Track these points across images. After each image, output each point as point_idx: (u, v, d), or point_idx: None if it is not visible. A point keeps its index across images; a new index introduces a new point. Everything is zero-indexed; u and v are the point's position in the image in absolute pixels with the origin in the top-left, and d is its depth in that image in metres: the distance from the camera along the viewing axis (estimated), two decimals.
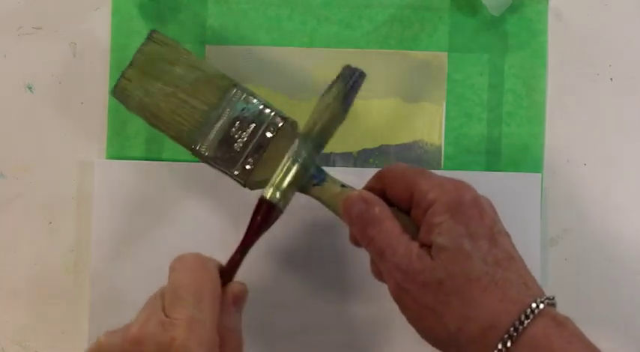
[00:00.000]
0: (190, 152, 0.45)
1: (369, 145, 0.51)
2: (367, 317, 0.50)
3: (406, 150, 0.51)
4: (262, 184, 0.43)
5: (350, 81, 0.43)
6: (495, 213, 0.41)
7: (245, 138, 0.44)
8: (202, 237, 0.51)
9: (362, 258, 0.44)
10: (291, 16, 0.52)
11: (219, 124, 0.44)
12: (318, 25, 0.52)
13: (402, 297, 0.40)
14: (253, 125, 0.44)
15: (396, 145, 0.51)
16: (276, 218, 0.43)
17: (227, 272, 0.42)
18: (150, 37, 0.45)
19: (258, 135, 0.44)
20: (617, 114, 0.52)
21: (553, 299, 0.39)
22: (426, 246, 0.40)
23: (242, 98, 0.44)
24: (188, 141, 0.44)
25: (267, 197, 0.42)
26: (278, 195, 0.42)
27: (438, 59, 0.52)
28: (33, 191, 0.52)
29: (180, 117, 0.44)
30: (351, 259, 0.50)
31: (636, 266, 0.51)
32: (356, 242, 0.43)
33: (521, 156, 0.51)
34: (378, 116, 0.51)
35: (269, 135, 0.44)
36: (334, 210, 0.43)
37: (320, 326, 0.50)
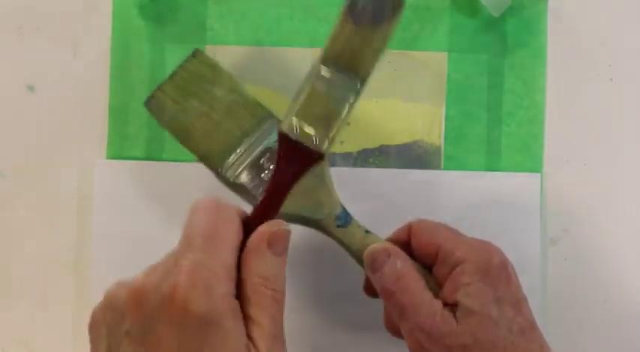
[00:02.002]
0: (215, 175, 0.44)
1: (369, 145, 0.51)
2: (367, 318, 0.50)
3: (406, 150, 0.51)
4: (285, 218, 0.41)
5: None
6: (517, 277, 0.41)
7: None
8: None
9: None
10: (291, 16, 0.52)
11: (249, 152, 0.43)
12: (318, 25, 0.52)
13: None
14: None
15: (396, 145, 0.51)
16: (305, 156, 0.39)
17: (257, 217, 0.39)
18: (194, 55, 0.45)
19: None
20: (617, 114, 0.52)
21: None
22: (449, 306, 0.39)
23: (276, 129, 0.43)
24: (215, 164, 0.43)
25: (284, 129, 0.39)
26: (298, 124, 0.40)
27: (438, 59, 0.52)
28: (33, 191, 0.52)
29: (212, 138, 0.44)
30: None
31: (636, 266, 0.51)
32: (370, 292, 0.43)
33: (521, 156, 0.51)
34: (378, 116, 0.51)
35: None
36: (355, 257, 0.42)
37: (323, 327, 0.50)
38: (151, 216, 0.51)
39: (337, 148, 0.51)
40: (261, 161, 0.43)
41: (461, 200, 0.51)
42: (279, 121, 0.42)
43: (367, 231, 0.42)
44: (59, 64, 0.52)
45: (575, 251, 0.51)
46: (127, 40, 0.51)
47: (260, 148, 0.43)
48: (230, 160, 0.43)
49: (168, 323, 0.33)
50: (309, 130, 0.40)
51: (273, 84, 0.51)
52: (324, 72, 0.40)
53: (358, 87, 0.40)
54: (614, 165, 0.52)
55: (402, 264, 0.40)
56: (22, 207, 0.52)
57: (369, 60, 0.41)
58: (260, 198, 0.41)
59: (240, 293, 0.36)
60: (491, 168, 0.51)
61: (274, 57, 0.51)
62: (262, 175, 0.43)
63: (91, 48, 0.52)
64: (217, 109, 0.44)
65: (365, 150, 0.51)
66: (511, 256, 0.50)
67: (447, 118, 0.52)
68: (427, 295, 0.39)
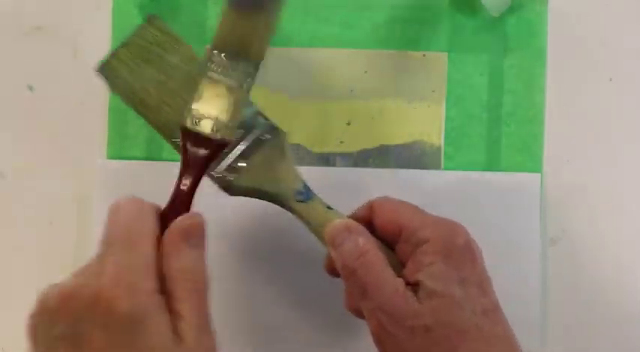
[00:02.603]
0: (171, 146, 0.43)
1: (369, 145, 0.51)
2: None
3: (406, 150, 0.51)
4: (244, 191, 0.42)
5: None
6: (482, 258, 0.40)
7: (234, 142, 0.42)
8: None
9: None
10: (291, 16, 0.52)
11: None
12: (318, 25, 0.52)
13: (385, 340, 0.38)
14: (242, 131, 0.43)
15: (396, 145, 0.51)
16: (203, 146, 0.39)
17: (172, 210, 0.39)
18: (149, 21, 0.43)
19: (248, 141, 0.43)
20: (617, 114, 0.52)
21: None
22: (411, 285, 0.38)
23: None
24: (172, 134, 0.43)
25: (186, 123, 0.39)
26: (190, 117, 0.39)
27: (438, 59, 0.52)
28: (33, 191, 0.52)
29: (169, 107, 0.43)
30: None
31: (636, 266, 0.51)
32: (331, 271, 0.42)
33: (521, 156, 0.51)
34: (378, 116, 0.51)
35: (259, 141, 0.43)
36: (316, 233, 0.42)
37: (321, 326, 0.50)
38: None
39: (337, 148, 0.51)
40: None
41: (461, 200, 0.51)
42: None
43: (329, 207, 0.42)
44: (59, 64, 0.52)
45: (575, 251, 0.51)
46: None
47: None
48: (185, 130, 0.42)
49: (96, 325, 0.34)
50: (208, 122, 0.40)
51: (273, 84, 0.51)
52: (216, 58, 0.40)
53: (252, 71, 0.40)
54: (614, 165, 0.52)
55: (364, 241, 0.39)
56: (23, 207, 0.52)
57: (257, 46, 0.41)
58: (211, 173, 0.41)
59: (164, 287, 0.36)
60: (491, 168, 0.51)
61: (275, 57, 0.51)
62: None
63: (91, 48, 0.52)
64: (174, 78, 0.43)
65: (365, 150, 0.51)
66: (511, 256, 0.50)
67: (447, 118, 0.52)
68: (389, 274, 0.38)
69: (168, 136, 0.43)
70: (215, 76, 0.40)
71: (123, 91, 0.43)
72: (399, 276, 0.39)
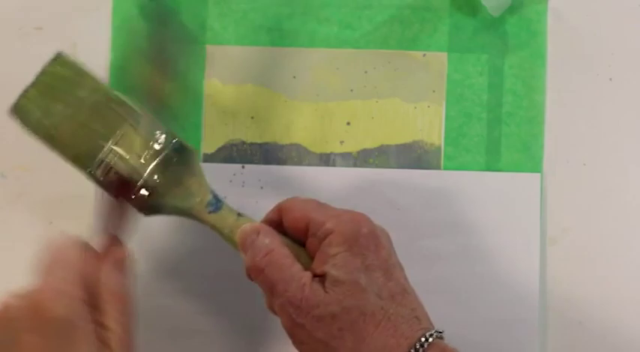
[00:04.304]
0: (87, 176, 0.44)
1: (369, 145, 0.51)
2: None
3: (406, 150, 0.51)
4: (157, 209, 0.43)
5: None
6: (391, 244, 0.41)
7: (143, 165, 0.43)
8: (202, 236, 0.51)
9: None
10: (291, 16, 0.52)
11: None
12: (318, 25, 0.52)
13: (296, 332, 0.39)
14: (151, 152, 0.43)
15: (396, 145, 0.51)
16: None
17: (109, 242, 0.42)
18: (55, 59, 0.44)
19: (156, 162, 0.43)
20: (616, 114, 0.52)
21: (442, 332, 0.39)
22: (319, 277, 0.39)
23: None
24: (84, 165, 0.43)
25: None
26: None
27: (438, 59, 0.52)
28: (33, 191, 0.52)
29: (78, 139, 0.43)
30: None
31: (636, 266, 0.51)
32: (250, 277, 0.43)
33: (521, 156, 0.51)
34: (378, 116, 0.51)
35: (169, 160, 0.43)
36: (229, 241, 0.43)
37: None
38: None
39: (337, 148, 0.51)
40: None
41: (461, 200, 0.51)
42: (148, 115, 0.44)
43: (240, 214, 0.43)
44: None
45: (575, 251, 0.51)
46: (127, 40, 0.51)
47: None
48: (98, 160, 0.43)
49: (31, 331, 0.37)
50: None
51: (273, 84, 0.51)
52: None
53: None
54: (613, 165, 0.52)
55: (270, 240, 0.41)
56: (23, 207, 0.52)
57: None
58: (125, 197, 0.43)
59: (93, 303, 0.39)
60: (491, 168, 0.51)
61: (274, 57, 0.51)
62: None
63: (91, 48, 0.52)
64: (82, 111, 0.43)
65: (365, 150, 0.51)
66: (511, 256, 0.50)
67: (447, 118, 0.52)
68: (296, 269, 0.40)
69: (83, 168, 0.44)
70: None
71: (35, 130, 0.44)
72: (308, 270, 0.40)
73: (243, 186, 0.51)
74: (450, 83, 0.52)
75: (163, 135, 0.43)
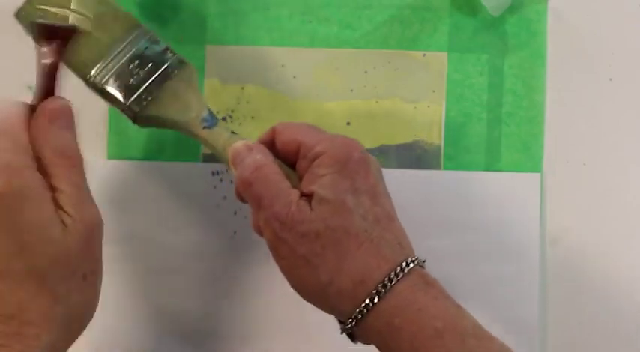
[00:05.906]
0: (85, 83, 0.45)
1: (369, 145, 0.51)
2: None
3: (406, 150, 0.51)
4: (152, 121, 0.44)
5: None
6: (381, 174, 0.42)
7: (142, 75, 0.44)
8: (201, 236, 0.51)
9: None
10: (291, 16, 0.52)
11: (118, 59, 0.44)
12: (318, 25, 0.52)
13: (278, 247, 0.40)
14: (152, 64, 0.44)
15: (396, 145, 0.51)
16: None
17: (38, 101, 0.41)
18: None
19: (157, 74, 0.44)
20: (616, 114, 0.52)
21: (424, 261, 0.40)
22: (307, 196, 0.40)
23: (146, 38, 0.45)
24: (84, 71, 0.44)
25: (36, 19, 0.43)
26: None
27: (437, 59, 0.52)
28: None
29: (81, 46, 0.44)
30: None
31: (636, 265, 0.51)
32: (240, 195, 0.43)
33: (521, 156, 0.51)
34: (378, 116, 0.52)
35: (167, 74, 0.44)
36: (221, 157, 0.44)
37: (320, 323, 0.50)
38: (151, 216, 0.51)
39: None
40: (130, 67, 0.44)
41: (461, 200, 0.51)
42: (147, 31, 0.45)
43: (233, 132, 0.44)
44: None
45: (575, 251, 0.51)
46: None
47: (129, 55, 0.44)
48: (99, 67, 0.44)
49: None
50: (55, 11, 0.43)
51: (273, 84, 0.51)
52: None
53: None
54: (613, 165, 0.52)
55: (261, 156, 0.41)
56: None
57: None
58: (120, 104, 0.44)
59: (41, 168, 0.38)
60: (491, 168, 0.51)
61: (274, 57, 0.51)
62: (131, 81, 0.44)
63: None
64: (86, 20, 0.44)
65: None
66: (511, 256, 0.50)
67: (446, 118, 0.52)
68: (284, 185, 0.40)
69: (82, 74, 0.45)
70: None
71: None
72: (296, 188, 0.40)
73: None
74: (450, 83, 0.52)
75: (165, 51, 0.45)
